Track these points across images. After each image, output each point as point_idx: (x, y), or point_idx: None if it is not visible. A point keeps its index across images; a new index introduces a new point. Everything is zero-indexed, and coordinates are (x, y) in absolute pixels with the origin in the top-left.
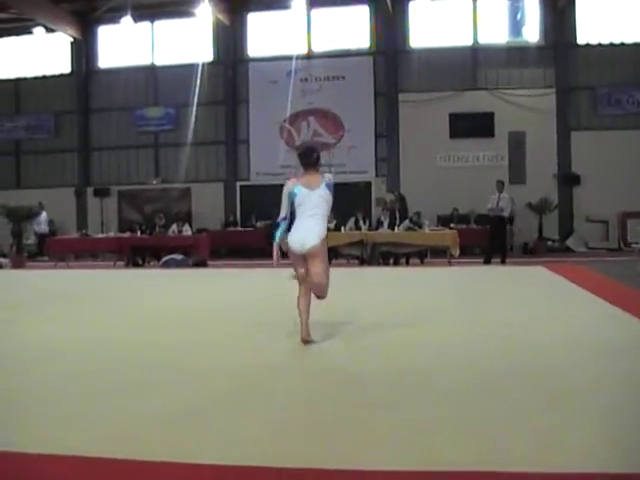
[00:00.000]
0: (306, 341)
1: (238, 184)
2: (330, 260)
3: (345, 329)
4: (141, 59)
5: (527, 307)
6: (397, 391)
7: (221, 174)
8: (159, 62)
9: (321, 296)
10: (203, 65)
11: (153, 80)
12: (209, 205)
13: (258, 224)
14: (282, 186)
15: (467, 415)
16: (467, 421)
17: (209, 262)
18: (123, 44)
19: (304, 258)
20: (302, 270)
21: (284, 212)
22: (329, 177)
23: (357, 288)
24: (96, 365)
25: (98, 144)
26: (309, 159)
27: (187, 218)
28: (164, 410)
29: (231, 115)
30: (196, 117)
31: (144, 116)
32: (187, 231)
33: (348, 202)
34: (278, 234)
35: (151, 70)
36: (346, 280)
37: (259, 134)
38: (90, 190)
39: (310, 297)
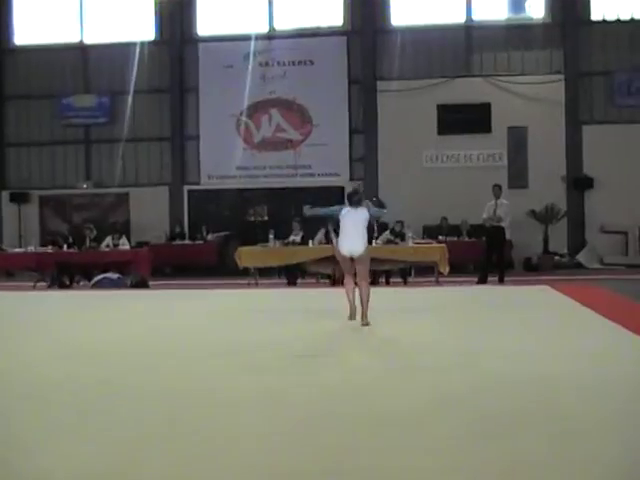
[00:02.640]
0: (352, 318)
1: (186, 189)
2: (296, 278)
3: (306, 363)
4: (68, 36)
5: (527, 335)
6: (381, 437)
7: (165, 177)
8: (90, 40)
9: (364, 284)
10: (143, 45)
11: (82, 62)
12: (151, 214)
13: (210, 237)
14: (240, 191)
15: (463, 465)
16: (464, 473)
17: (151, 282)
18: (45, 17)
19: (351, 259)
20: (350, 269)
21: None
22: (367, 202)
23: (323, 314)
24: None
25: (15, 139)
26: (355, 199)
27: (124, 229)
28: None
29: (177, 106)
30: (135, 108)
31: (72, 106)
32: (124, 245)
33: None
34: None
35: (80, 50)
36: (312, 303)
37: (211, 129)
38: (5, 195)
39: (354, 283)
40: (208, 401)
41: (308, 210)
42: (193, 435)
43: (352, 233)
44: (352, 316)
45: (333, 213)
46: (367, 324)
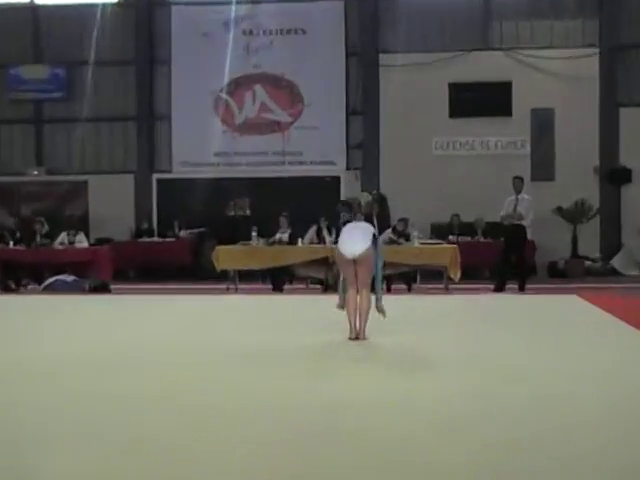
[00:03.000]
0: (355, 338)
1: (155, 177)
2: (283, 284)
3: (299, 378)
4: None
5: (550, 353)
6: (381, 471)
7: (131, 163)
8: (42, 0)
9: (364, 293)
10: (106, 7)
11: (33, 25)
12: (113, 206)
13: (182, 234)
14: (218, 180)
15: None
16: None
17: (113, 286)
18: None
19: (353, 263)
20: (351, 275)
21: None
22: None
23: (315, 325)
24: None
25: None
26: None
27: (82, 224)
28: None
29: (146, 80)
30: (95, 81)
31: (20, 77)
32: (82, 242)
33: (308, 205)
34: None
35: (30, 10)
36: (302, 313)
37: (185, 108)
38: None
39: (356, 299)
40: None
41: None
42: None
43: (354, 233)
44: (353, 335)
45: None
46: (363, 338)
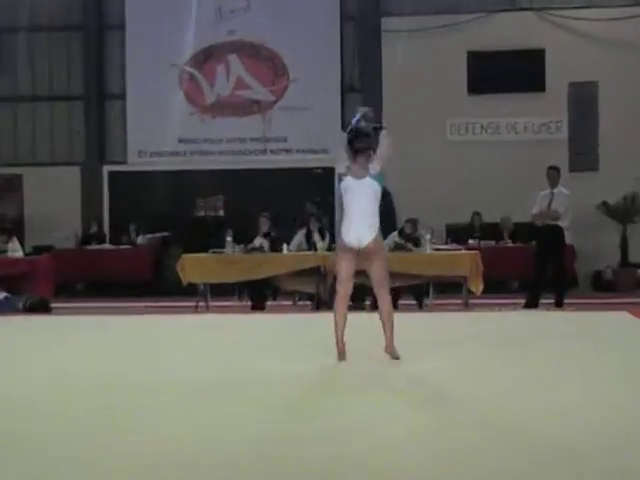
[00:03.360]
0: (342, 354)
1: (106, 170)
2: (265, 300)
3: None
4: None
5: (599, 383)
6: None
7: (76, 153)
8: None
9: (384, 296)
10: None
11: None
12: (55, 206)
13: (140, 239)
14: (184, 173)
15: None
16: None
17: (54, 304)
18: None
19: (359, 256)
20: (348, 270)
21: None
22: (373, 167)
23: (305, 350)
24: None
25: None
26: (361, 144)
27: (16, 228)
28: None
29: (94, 50)
30: (32, 52)
31: None
32: (15, 251)
33: (296, 202)
34: None
35: None
36: (289, 335)
37: (143, 85)
38: None
39: (347, 304)
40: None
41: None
42: None
43: (361, 213)
44: (342, 356)
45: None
46: (397, 357)
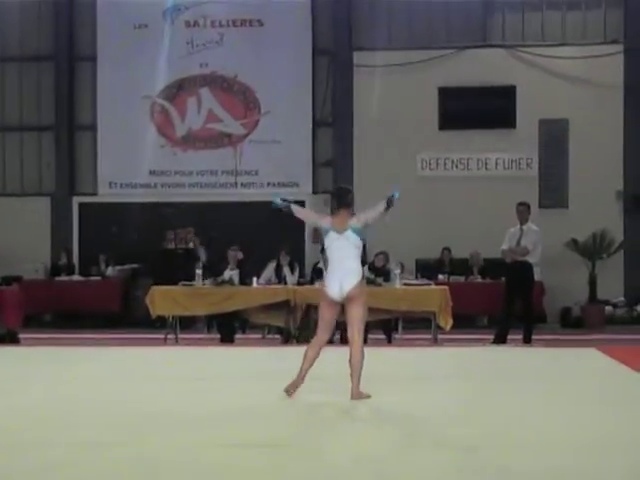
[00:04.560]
0: (290, 392)
1: (76, 201)
2: (234, 333)
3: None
4: None
5: (566, 420)
6: None
7: (46, 183)
8: None
9: (356, 340)
10: None
11: None
12: (24, 237)
13: (110, 271)
14: (154, 205)
15: None
16: None
17: (22, 335)
18: None
19: (339, 305)
20: (330, 316)
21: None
22: (355, 220)
23: (273, 383)
24: None
25: None
26: (343, 200)
27: None
28: None
29: (65, 81)
30: (3, 81)
31: None
32: None
33: (265, 236)
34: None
35: None
36: (258, 367)
37: (114, 116)
38: None
39: (320, 349)
40: None
41: (277, 200)
42: None
43: (342, 263)
44: (291, 388)
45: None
46: (364, 396)
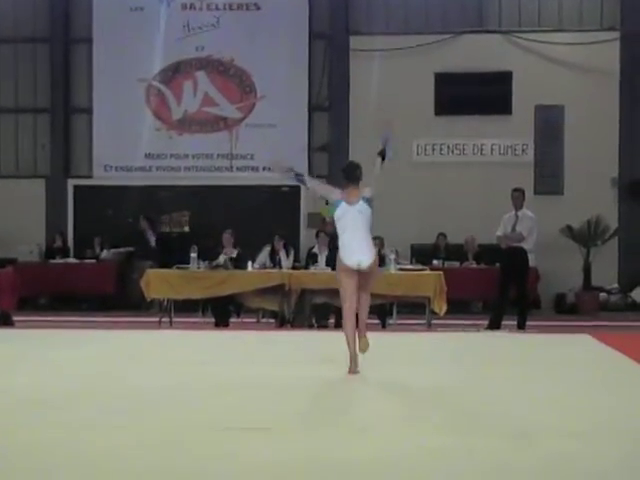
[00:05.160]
0: (354, 372)
1: (71, 184)
2: (229, 317)
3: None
4: None
5: (558, 406)
6: None
7: (41, 166)
8: None
9: (365, 296)
10: None
11: None
12: (19, 219)
13: (105, 254)
14: (149, 189)
15: None
16: None
17: (17, 318)
18: None
19: (357, 273)
20: (351, 286)
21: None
22: (367, 190)
23: (266, 367)
24: None
25: None
26: (352, 174)
27: None
28: None
29: (61, 63)
30: None
31: None
32: None
33: (260, 220)
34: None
35: None
36: (250, 354)
37: (109, 99)
38: None
39: (355, 320)
40: None
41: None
42: None
43: (358, 237)
44: (354, 366)
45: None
46: (364, 348)
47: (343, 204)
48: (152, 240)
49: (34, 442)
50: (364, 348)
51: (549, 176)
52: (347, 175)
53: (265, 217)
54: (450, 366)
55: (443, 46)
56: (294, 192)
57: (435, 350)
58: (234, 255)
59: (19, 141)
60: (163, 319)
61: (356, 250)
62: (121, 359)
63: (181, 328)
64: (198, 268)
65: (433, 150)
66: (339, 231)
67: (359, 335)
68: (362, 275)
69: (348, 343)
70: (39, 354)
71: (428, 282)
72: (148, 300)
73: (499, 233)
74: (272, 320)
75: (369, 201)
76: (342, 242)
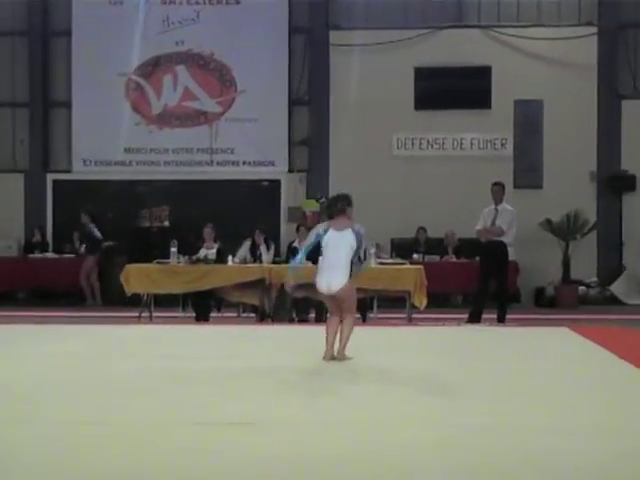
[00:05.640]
0: (331, 358)
1: (50, 178)
2: (209, 311)
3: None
4: None
5: (535, 400)
6: None
7: (20, 160)
8: None
9: (349, 317)
10: None
11: None
12: None
13: (84, 248)
14: (129, 183)
15: None
16: None
17: None
18: None
19: (332, 297)
20: (330, 304)
21: (302, 254)
22: (359, 227)
23: (248, 363)
24: None
25: None
26: (333, 209)
27: None
28: None
29: (39, 57)
30: None
31: None
32: None
33: (241, 215)
34: (293, 266)
35: None
36: (225, 353)
37: (89, 93)
38: None
39: (338, 326)
40: None
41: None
42: None
43: (332, 263)
44: (327, 357)
45: (317, 240)
46: (343, 358)
47: (330, 231)
48: (96, 233)
49: (15, 438)
50: (340, 358)
51: (528, 170)
52: (329, 212)
53: (245, 211)
54: (430, 360)
55: (423, 41)
56: (274, 186)
57: (415, 344)
58: (214, 250)
59: None
60: (143, 314)
61: (326, 274)
62: (98, 354)
63: (161, 323)
64: (178, 263)
65: (413, 144)
66: (323, 254)
67: (339, 350)
68: (338, 300)
69: (327, 339)
70: (14, 349)
71: (408, 276)
72: (129, 295)
73: (479, 227)
74: (253, 314)
75: (359, 235)
76: (318, 266)
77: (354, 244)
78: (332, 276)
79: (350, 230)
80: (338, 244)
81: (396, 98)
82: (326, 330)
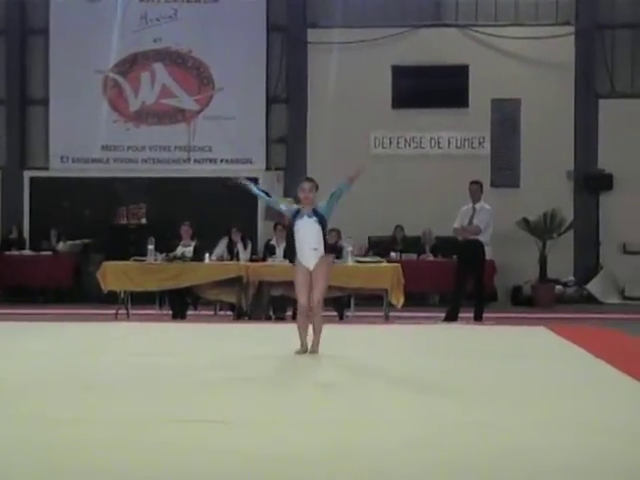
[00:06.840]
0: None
1: (27, 175)
2: (186, 309)
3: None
4: None
5: (513, 398)
6: None
7: None
8: None
9: (318, 310)
10: None
11: None
12: None
13: (61, 246)
14: (107, 181)
15: None
16: None
17: None
18: None
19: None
20: (303, 279)
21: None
22: (320, 205)
23: (222, 362)
24: None
25: None
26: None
27: None
28: None
29: (16, 54)
30: None
31: None
32: None
33: (218, 212)
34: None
35: None
36: (204, 347)
37: (66, 90)
38: None
39: (306, 315)
40: None
41: (241, 179)
42: None
43: (310, 241)
44: (300, 352)
45: (272, 204)
46: (316, 352)
47: (301, 215)
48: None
49: None
50: (314, 351)
51: (505, 169)
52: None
53: (223, 209)
54: (407, 358)
55: (400, 39)
56: (252, 183)
57: (392, 343)
58: (191, 247)
59: None
60: (120, 311)
61: (307, 249)
62: (75, 351)
63: (138, 320)
64: (155, 260)
65: (390, 143)
66: (296, 239)
67: (313, 341)
68: (313, 276)
69: (300, 337)
70: None
71: (385, 274)
72: (105, 292)
73: (456, 225)
74: (230, 312)
75: (324, 209)
76: (298, 249)
77: (320, 226)
78: (312, 251)
79: (314, 217)
80: (310, 231)
81: (374, 96)
82: (298, 327)
